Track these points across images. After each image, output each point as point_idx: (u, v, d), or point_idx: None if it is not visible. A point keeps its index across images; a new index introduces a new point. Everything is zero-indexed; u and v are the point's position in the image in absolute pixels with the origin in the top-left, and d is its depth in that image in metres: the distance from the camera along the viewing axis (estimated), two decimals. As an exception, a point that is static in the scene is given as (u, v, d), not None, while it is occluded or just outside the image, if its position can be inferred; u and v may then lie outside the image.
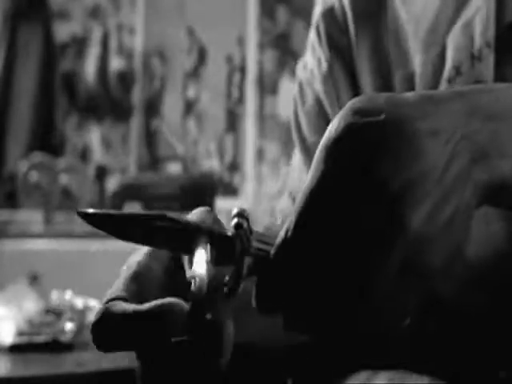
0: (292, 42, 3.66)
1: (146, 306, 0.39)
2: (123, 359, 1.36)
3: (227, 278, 0.41)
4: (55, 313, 1.67)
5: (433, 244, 0.37)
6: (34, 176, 2.82)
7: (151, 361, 0.41)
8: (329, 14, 0.72)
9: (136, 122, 3.52)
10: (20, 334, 1.54)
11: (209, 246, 0.40)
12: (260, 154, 3.62)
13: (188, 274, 0.40)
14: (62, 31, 3.41)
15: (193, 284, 0.39)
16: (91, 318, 0.45)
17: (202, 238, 0.40)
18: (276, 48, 3.67)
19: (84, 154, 3.43)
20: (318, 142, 0.73)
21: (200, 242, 0.39)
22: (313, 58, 0.74)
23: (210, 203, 2.64)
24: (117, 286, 0.43)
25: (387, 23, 0.67)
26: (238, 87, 3.65)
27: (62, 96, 3.36)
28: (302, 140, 0.73)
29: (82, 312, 1.63)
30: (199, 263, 0.39)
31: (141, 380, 0.42)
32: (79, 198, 2.85)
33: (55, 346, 1.52)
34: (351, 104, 0.39)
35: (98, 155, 3.44)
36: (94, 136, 3.45)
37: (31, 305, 1.71)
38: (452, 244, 0.38)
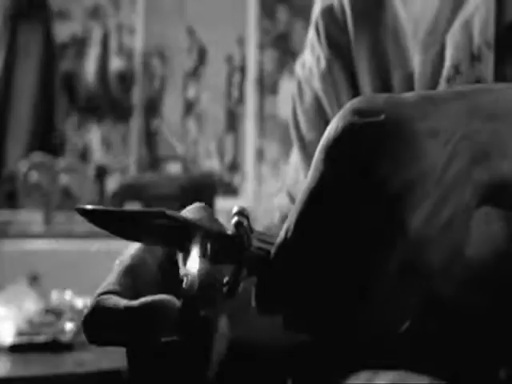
0: (292, 41, 3.66)
1: (137, 301, 0.39)
2: (123, 359, 1.36)
3: (227, 277, 0.41)
4: (55, 313, 1.67)
5: (432, 244, 0.37)
6: (34, 176, 2.82)
7: (140, 359, 0.41)
8: (328, 12, 0.72)
9: (136, 122, 3.52)
10: (20, 333, 1.54)
11: (204, 243, 0.40)
12: (260, 154, 3.62)
13: (181, 270, 0.40)
14: (62, 31, 3.41)
15: (185, 281, 0.39)
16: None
17: (197, 235, 0.39)
18: (276, 48, 3.67)
19: (84, 154, 3.42)
20: (316, 139, 0.73)
21: (195, 238, 0.39)
22: (312, 56, 0.74)
23: (209, 203, 2.64)
24: (110, 280, 0.43)
25: (386, 21, 0.67)
26: (238, 87, 3.65)
27: (62, 96, 3.36)
28: (300, 138, 0.73)
29: (82, 312, 1.63)
30: (193, 260, 0.39)
31: (128, 378, 0.42)
32: (79, 198, 2.85)
33: (55, 346, 1.52)
34: (350, 105, 0.39)
35: (98, 155, 3.44)
36: (94, 136, 3.45)
37: (31, 305, 1.71)
38: (452, 244, 0.38)
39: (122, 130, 3.50)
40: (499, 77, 0.58)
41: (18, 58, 3.19)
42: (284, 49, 3.66)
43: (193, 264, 0.39)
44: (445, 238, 0.37)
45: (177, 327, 0.39)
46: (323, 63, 0.71)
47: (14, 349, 1.50)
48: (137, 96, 3.52)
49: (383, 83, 0.66)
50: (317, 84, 0.72)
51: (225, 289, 0.40)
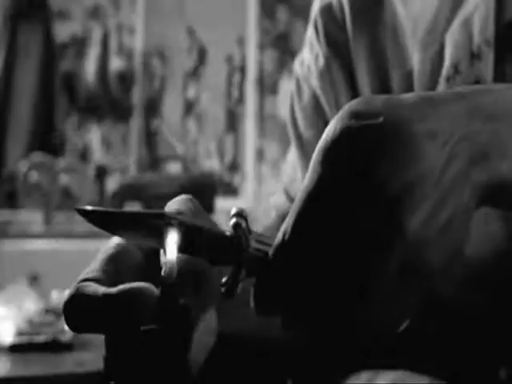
0: (292, 41, 3.66)
1: (116, 288, 0.39)
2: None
3: (225, 278, 0.41)
4: (55, 313, 1.67)
5: (432, 245, 0.37)
6: (34, 176, 2.82)
7: (118, 346, 0.41)
8: (327, 10, 0.72)
9: (136, 122, 3.52)
10: (20, 333, 1.54)
11: (181, 233, 0.39)
12: (260, 154, 3.62)
13: (162, 259, 0.40)
14: (62, 31, 3.41)
15: (163, 269, 0.39)
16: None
17: (174, 224, 0.39)
18: (276, 48, 3.67)
19: (84, 154, 3.42)
20: (314, 138, 0.73)
21: (171, 227, 0.39)
22: (310, 54, 0.74)
23: (209, 203, 2.64)
24: (92, 267, 0.43)
25: (385, 20, 0.67)
26: (237, 87, 3.65)
27: (62, 96, 3.36)
28: (298, 136, 0.73)
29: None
30: (170, 249, 0.39)
31: (105, 366, 0.42)
32: (79, 198, 2.85)
33: (55, 346, 1.52)
34: (349, 106, 0.39)
35: (98, 155, 3.44)
36: (94, 136, 3.45)
37: (31, 305, 1.71)
38: (451, 245, 0.38)
39: (122, 130, 3.50)
40: (499, 75, 0.58)
41: (18, 58, 3.19)
42: (284, 49, 3.66)
43: (171, 252, 0.39)
44: (444, 239, 0.37)
45: (155, 315, 0.39)
46: (322, 61, 0.71)
47: (14, 349, 1.51)
48: (137, 96, 3.52)
49: (382, 83, 0.66)
50: (315, 82, 0.72)
51: (223, 289, 0.40)
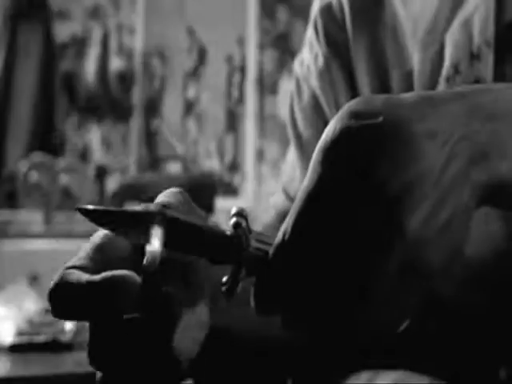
0: (292, 41, 3.66)
1: (99, 276, 0.39)
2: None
3: (225, 277, 0.41)
4: (55, 313, 1.67)
5: (432, 245, 0.37)
6: (34, 176, 2.82)
7: (101, 334, 0.41)
8: (327, 10, 0.72)
9: (136, 122, 3.52)
10: (20, 333, 1.54)
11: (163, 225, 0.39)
12: (260, 154, 3.62)
13: (146, 247, 0.40)
14: (62, 31, 3.41)
15: (145, 258, 0.39)
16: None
17: (157, 217, 0.39)
18: (276, 48, 3.67)
19: (84, 154, 3.42)
20: (313, 137, 0.73)
21: (156, 218, 0.39)
22: (310, 54, 0.74)
23: (209, 203, 2.64)
24: (79, 255, 0.43)
25: (385, 20, 0.67)
26: (238, 87, 3.65)
27: (62, 96, 3.36)
28: (297, 136, 0.73)
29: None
30: (154, 239, 0.39)
31: (88, 353, 0.42)
32: (79, 198, 2.85)
33: (55, 346, 1.52)
34: (348, 106, 0.39)
35: (98, 155, 3.44)
36: (94, 136, 3.45)
37: (31, 305, 1.71)
38: (451, 245, 0.38)
39: (122, 130, 3.50)
40: (498, 76, 0.58)
41: (18, 58, 3.19)
42: (284, 49, 3.66)
43: (154, 241, 0.39)
44: (444, 239, 0.37)
45: (138, 303, 0.40)
46: (321, 61, 0.71)
47: (14, 349, 1.51)
48: (137, 96, 3.52)
49: (382, 83, 0.66)
50: (314, 82, 0.72)
51: (223, 289, 0.41)
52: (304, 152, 0.72)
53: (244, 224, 0.40)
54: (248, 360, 0.58)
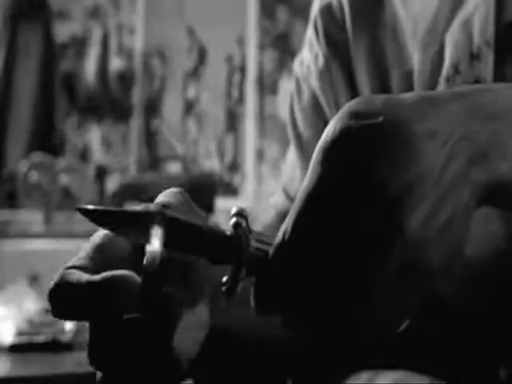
0: (292, 41, 3.66)
1: (99, 276, 0.39)
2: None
3: (225, 277, 0.41)
4: (55, 313, 1.67)
5: (431, 245, 0.37)
6: (34, 176, 2.82)
7: (101, 334, 0.41)
8: (327, 10, 0.72)
9: (136, 122, 3.52)
10: (20, 333, 1.54)
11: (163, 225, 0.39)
12: (260, 154, 3.62)
13: (146, 248, 0.40)
14: (62, 31, 3.41)
15: (145, 258, 0.39)
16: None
17: (157, 217, 0.39)
18: (276, 48, 3.67)
19: (84, 154, 3.42)
20: (313, 137, 0.73)
21: (156, 218, 0.39)
22: (310, 54, 0.74)
23: (209, 203, 2.64)
24: (79, 255, 0.43)
25: (385, 20, 0.67)
26: (238, 87, 3.65)
27: (62, 96, 3.36)
28: (297, 136, 0.73)
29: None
30: (154, 239, 0.39)
31: (88, 353, 0.42)
32: (79, 198, 2.85)
33: (55, 346, 1.52)
34: (348, 106, 0.39)
35: (98, 155, 3.44)
36: (94, 136, 3.45)
37: (31, 305, 1.71)
38: (451, 245, 0.38)
39: (122, 130, 3.50)
40: (498, 76, 0.58)
41: (18, 58, 3.19)
42: (284, 49, 3.66)
43: (154, 242, 0.39)
44: (444, 239, 0.37)
45: (138, 303, 0.40)
46: (321, 61, 0.71)
47: (14, 349, 1.51)
48: (137, 96, 3.52)
49: (382, 83, 0.66)
50: (314, 82, 0.72)
51: (223, 289, 0.41)
52: (304, 152, 0.72)
53: (244, 224, 0.40)
54: (248, 360, 0.58)
